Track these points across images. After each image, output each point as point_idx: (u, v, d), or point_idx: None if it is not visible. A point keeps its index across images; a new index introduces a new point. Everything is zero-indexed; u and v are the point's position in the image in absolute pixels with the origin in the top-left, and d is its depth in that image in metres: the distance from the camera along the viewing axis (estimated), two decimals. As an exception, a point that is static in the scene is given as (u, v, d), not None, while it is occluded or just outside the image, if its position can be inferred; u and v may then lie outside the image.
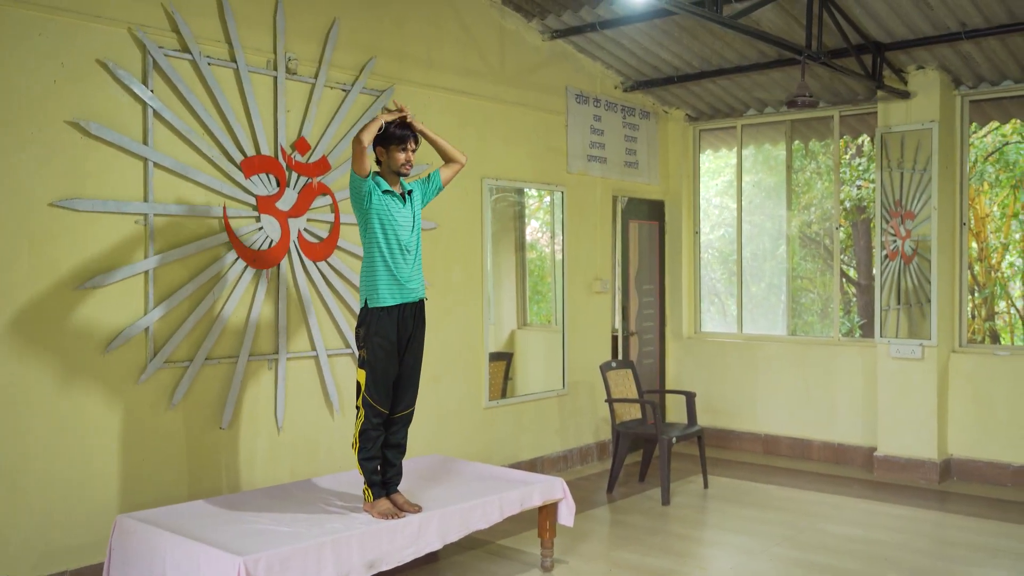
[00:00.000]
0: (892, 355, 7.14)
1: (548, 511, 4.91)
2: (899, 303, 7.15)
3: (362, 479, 4.41)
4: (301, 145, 5.38)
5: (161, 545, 3.85)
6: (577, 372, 7.55)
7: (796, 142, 8.39)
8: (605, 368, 6.88)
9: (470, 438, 6.57)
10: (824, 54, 6.06)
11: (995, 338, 10.60)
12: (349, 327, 5.64)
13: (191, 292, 4.86)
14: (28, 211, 4.27)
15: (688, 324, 8.70)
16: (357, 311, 5.05)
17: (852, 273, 11.19)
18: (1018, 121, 8.31)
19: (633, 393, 7.03)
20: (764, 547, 5.38)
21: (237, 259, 5.07)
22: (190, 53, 4.84)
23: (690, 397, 6.97)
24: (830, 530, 5.72)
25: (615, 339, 8.01)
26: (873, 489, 6.80)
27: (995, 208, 10.78)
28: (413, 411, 4.53)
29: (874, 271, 7.45)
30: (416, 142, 4.39)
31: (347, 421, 5.65)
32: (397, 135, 4.31)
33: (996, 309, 10.85)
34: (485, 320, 6.71)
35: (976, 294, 10.56)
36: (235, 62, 5.06)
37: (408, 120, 4.35)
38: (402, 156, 4.32)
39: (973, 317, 10.49)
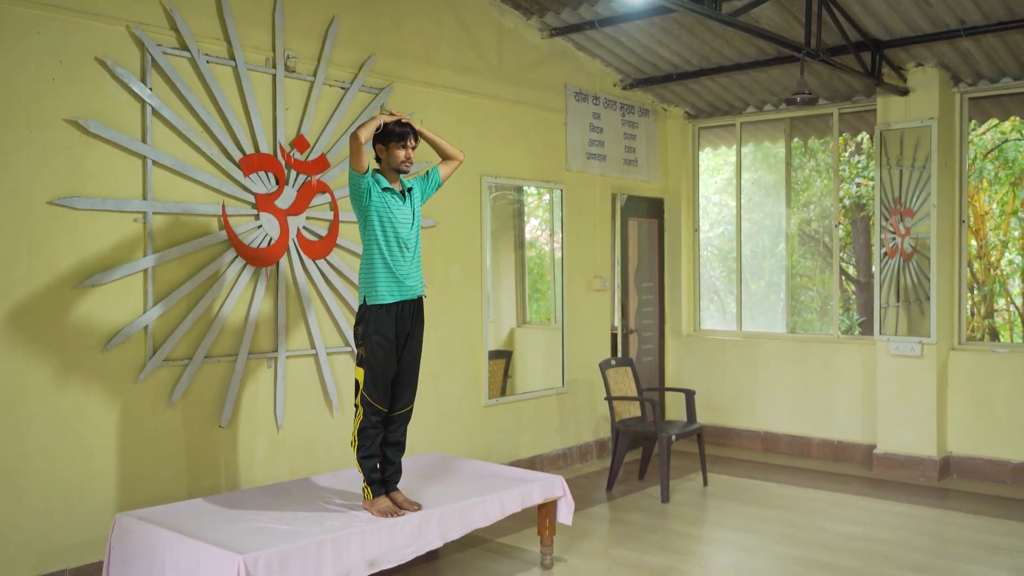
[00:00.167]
0: (891, 352, 7.14)
1: (548, 509, 4.91)
2: (898, 300, 7.15)
3: (361, 477, 4.41)
4: (300, 143, 5.38)
5: (161, 543, 3.85)
6: (577, 370, 7.55)
7: (795, 140, 8.39)
8: (604, 366, 6.88)
9: (469, 436, 6.57)
10: (823, 51, 6.06)
11: (994, 335, 10.60)
12: (348, 325, 5.64)
13: (190, 290, 4.86)
14: (27, 209, 4.26)
15: (687, 322, 8.70)
16: (356, 309, 5.05)
17: (851, 271, 11.20)
18: (1017, 118, 8.31)
19: (632, 391, 7.03)
20: (763, 545, 5.38)
21: (236, 257, 5.06)
22: (189, 51, 4.84)
23: (689, 395, 6.97)
24: (829, 528, 5.72)
25: (614, 337, 8.01)
26: (872, 486, 6.81)
27: (994, 205, 10.78)
28: (412, 409, 4.53)
29: (873, 268, 7.45)
30: (416, 139, 4.39)
31: (346, 419, 5.65)
32: (397, 132, 4.31)
33: (995, 306, 10.85)
34: (484, 318, 6.71)
35: (975, 291, 10.56)
36: (234, 60, 5.05)
37: (406, 120, 4.36)
38: (402, 153, 4.32)
39: (972, 314, 10.49)
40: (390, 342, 4.31)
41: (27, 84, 4.26)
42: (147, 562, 3.89)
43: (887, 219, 7.19)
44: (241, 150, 5.08)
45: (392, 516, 4.18)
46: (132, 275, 4.64)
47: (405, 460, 4.91)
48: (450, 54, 6.42)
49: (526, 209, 8.04)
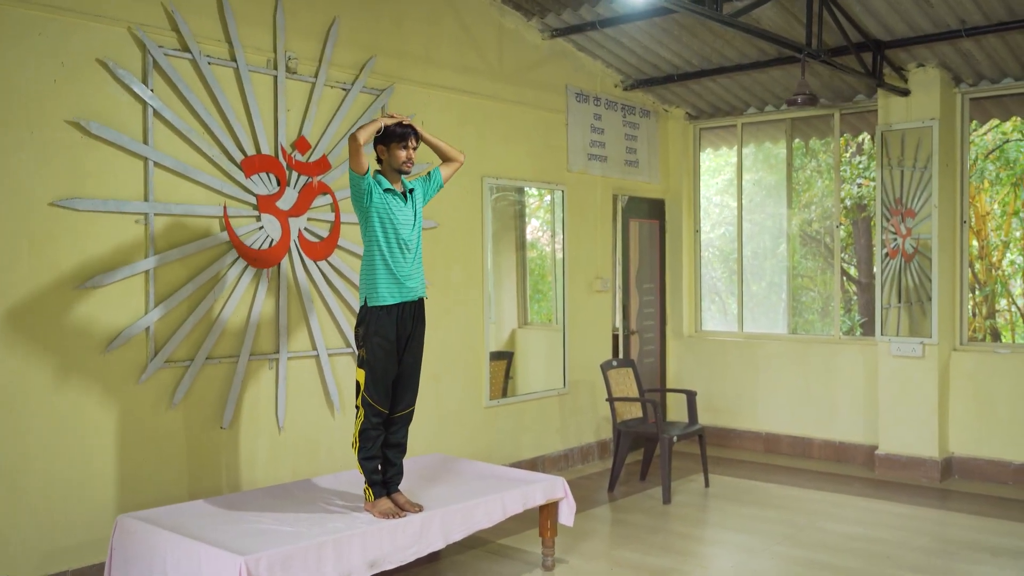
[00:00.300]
0: (893, 353, 7.14)
1: (549, 510, 4.91)
2: (900, 301, 7.14)
3: (363, 479, 4.41)
4: (301, 144, 5.38)
5: (162, 545, 3.85)
6: (578, 371, 7.54)
7: (796, 140, 8.38)
8: (606, 367, 6.88)
9: (471, 437, 6.57)
10: (824, 52, 6.06)
11: (996, 336, 10.59)
12: (350, 326, 5.64)
13: (191, 292, 4.86)
14: (28, 211, 4.26)
15: (689, 323, 8.69)
16: (357, 310, 5.05)
17: (853, 271, 11.19)
18: (1018, 119, 8.31)
19: (634, 392, 7.03)
20: (765, 546, 5.37)
21: (237, 258, 5.06)
22: (190, 52, 4.84)
23: (691, 396, 6.96)
24: (831, 528, 5.72)
25: (616, 338, 8.01)
26: (874, 487, 6.80)
27: (996, 206, 10.78)
28: (413, 410, 4.53)
29: (875, 269, 7.44)
30: (417, 140, 4.39)
31: (348, 420, 5.65)
32: (398, 133, 4.31)
33: (997, 307, 10.84)
34: (485, 319, 6.71)
35: (977, 292, 10.56)
36: (235, 61, 5.05)
37: (407, 122, 4.36)
38: (403, 154, 4.32)
39: (974, 315, 10.48)
40: (391, 343, 4.31)
41: (28, 85, 4.26)
42: (148, 563, 3.89)
43: (888, 220, 7.18)
44: (242, 151, 5.08)
45: (394, 517, 4.18)
46: (133, 276, 4.64)
47: (406, 461, 4.91)
48: (451, 55, 6.42)
49: (527, 210, 8.04)
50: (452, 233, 6.42)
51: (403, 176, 4.43)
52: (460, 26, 6.49)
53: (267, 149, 5.20)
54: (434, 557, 5.07)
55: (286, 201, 5.28)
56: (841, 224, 8.29)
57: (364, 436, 4.32)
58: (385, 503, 4.27)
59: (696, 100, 8.25)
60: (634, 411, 6.91)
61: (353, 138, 4.11)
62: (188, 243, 4.85)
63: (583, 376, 7.58)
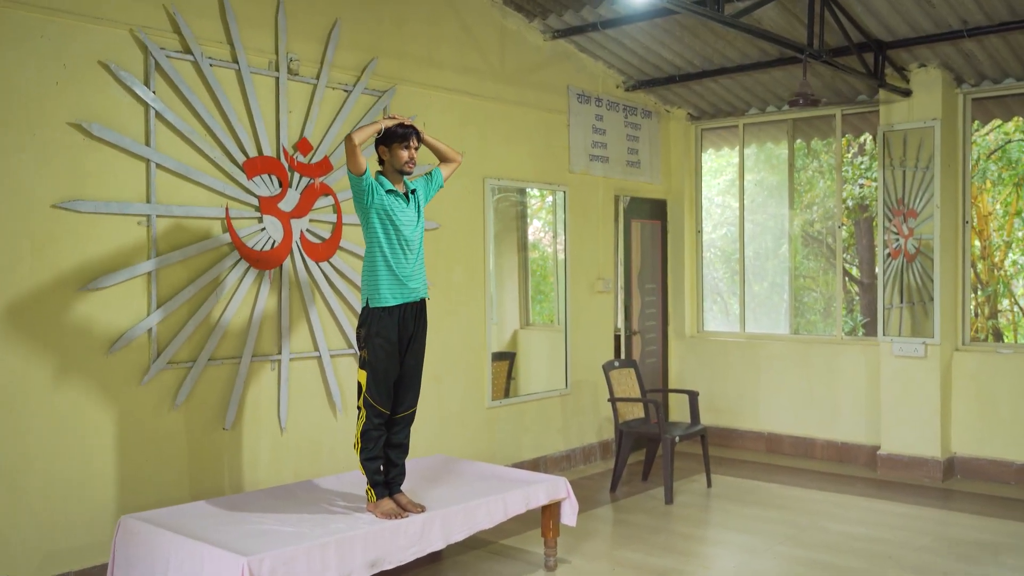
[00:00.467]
0: (895, 353, 7.13)
1: (551, 511, 4.91)
2: (902, 301, 7.14)
3: (365, 479, 4.41)
4: (303, 146, 5.38)
5: (165, 545, 3.86)
6: (580, 371, 7.54)
7: (798, 141, 8.38)
8: (608, 367, 6.88)
9: (473, 438, 6.57)
10: (826, 52, 6.06)
11: (998, 336, 10.58)
12: (351, 327, 5.64)
13: (193, 293, 4.86)
14: (30, 212, 4.27)
15: (691, 323, 8.69)
16: (359, 311, 5.06)
17: (855, 272, 11.19)
18: (1020, 119, 8.31)
19: (636, 392, 7.03)
20: (767, 546, 5.37)
21: (239, 260, 5.07)
22: (192, 54, 4.85)
23: (693, 396, 6.96)
24: (833, 528, 5.71)
25: (617, 338, 8.01)
26: (876, 487, 6.80)
27: (998, 206, 10.77)
28: (415, 411, 4.53)
29: (877, 269, 7.44)
30: (418, 140, 4.40)
31: (350, 421, 5.65)
32: (399, 133, 4.32)
33: (999, 307, 10.83)
34: (487, 320, 6.72)
35: (979, 292, 10.55)
36: (237, 63, 5.06)
37: (408, 123, 4.37)
38: (405, 154, 4.33)
39: (976, 315, 10.48)
40: (393, 345, 4.32)
41: (30, 87, 4.27)
42: (151, 564, 3.89)
43: (890, 220, 7.18)
44: (244, 153, 5.09)
45: (396, 518, 4.19)
46: (135, 278, 4.64)
47: (408, 462, 4.92)
48: (452, 56, 6.42)
49: (529, 211, 8.04)
50: (454, 234, 6.43)
51: (405, 177, 4.43)
52: (462, 27, 6.50)
53: (269, 151, 5.21)
54: (436, 557, 5.07)
55: (288, 202, 5.29)
56: (843, 224, 8.29)
57: (366, 437, 4.32)
58: (387, 504, 4.27)
59: (698, 101, 8.25)
60: (636, 411, 6.91)
61: (349, 139, 4.12)
62: (190, 245, 4.85)
63: (585, 376, 7.58)
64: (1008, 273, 10.71)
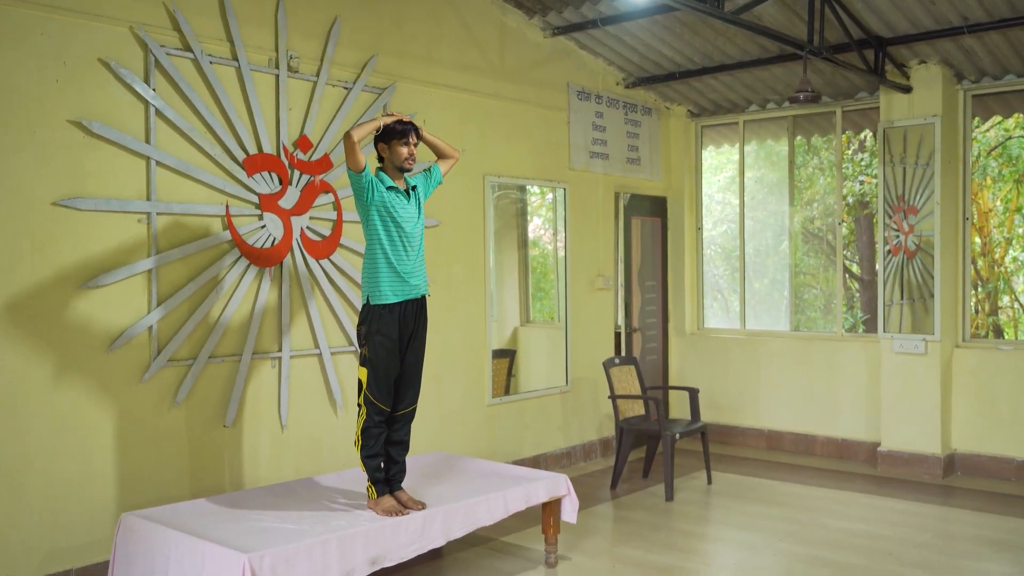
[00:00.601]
0: (895, 350, 7.14)
1: (552, 508, 4.92)
2: (902, 298, 7.14)
3: (366, 477, 4.42)
4: (303, 143, 5.38)
5: (166, 543, 3.86)
6: (580, 369, 7.55)
7: (798, 137, 8.38)
8: (608, 364, 6.88)
9: (473, 435, 6.58)
10: (826, 49, 6.05)
11: (998, 333, 10.59)
12: (352, 324, 5.64)
13: (194, 291, 4.87)
14: (30, 210, 4.27)
15: (691, 320, 8.69)
16: (359, 308, 5.06)
17: (855, 268, 11.19)
18: (1021, 115, 8.30)
19: (636, 389, 7.03)
20: (768, 543, 5.38)
21: (240, 257, 5.07)
22: (192, 52, 4.84)
23: (693, 393, 6.96)
24: (834, 525, 5.72)
25: (618, 335, 8.01)
26: (877, 484, 6.80)
27: (998, 203, 10.76)
28: (415, 408, 4.54)
29: (877, 266, 7.44)
30: (418, 136, 4.40)
31: (351, 419, 5.66)
32: (398, 130, 4.32)
33: (999, 304, 10.83)
34: (488, 317, 6.72)
35: (979, 289, 10.55)
36: (237, 60, 5.06)
37: (407, 120, 4.37)
38: (405, 151, 4.33)
39: (976, 312, 10.48)
40: (393, 342, 4.32)
41: (30, 85, 4.27)
42: (152, 562, 3.90)
43: (891, 216, 7.18)
44: (244, 150, 5.09)
45: (396, 515, 4.19)
46: (136, 276, 4.65)
47: (409, 459, 4.92)
48: (452, 53, 6.42)
49: (529, 208, 8.04)
50: (454, 231, 6.43)
51: (405, 174, 4.43)
52: (461, 24, 6.50)
53: (269, 148, 5.21)
54: (437, 554, 5.08)
55: (288, 200, 5.29)
56: (843, 221, 8.29)
57: (366, 434, 4.33)
58: (388, 501, 4.28)
59: (698, 97, 8.25)
60: (636, 409, 6.92)
61: (347, 136, 4.12)
62: (190, 242, 4.85)
63: (585, 374, 7.59)
64: (1008, 270, 10.71)
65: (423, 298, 4.47)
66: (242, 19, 5.10)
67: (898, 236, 7.14)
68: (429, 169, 4.65)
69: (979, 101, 7.27)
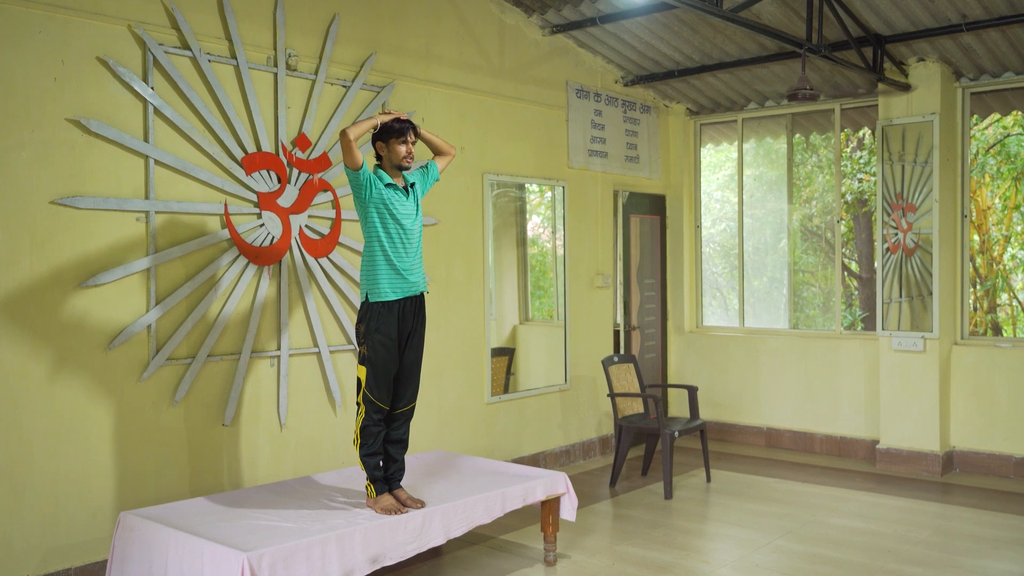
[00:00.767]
0: (894, 348, 7.14)
1: (551, 506, 4.92)
2: (901, 296, 7.14)
3: (365, 475, 4.42)
4: (302, 141, 5.38)
5: (165, 542, 3.86)
6: (579, 367, 7.55)
7: (797, 135, 8.38)
8: (607, 363, 6.88)
9: (472, 434, 6.58)
10: (824, 47, 6.05)
11: (997, 330, 10.60)
12: (351, 323, 5.64)
13: (193, 289, 4.86)
14: (29, 209, 4.27)
15: (690, 318, 8.70)
16: (358, 307, 5.06)
17: (854, 266, 11.19)
18: (1019, 113, 8.31)
19: (635, 387, 7.03)
20: (767, 540, 5.38)
21: (238, 256, 5.07)
22: (190, 50, 4.84)
23: (692, 391, 6.97)
24: (833, 523, 5.72)
25: (617, 334, 8.02)
26: (875, 482, 6.81)
27: (997, 200, 10.77)
28: (414, 407, 4.54)
29: (876, 264, 7.44)
30: (415, 134, 4.40)
31: (350, 417, 5.66)
32: (396, 128, 4.32)
33: (998, 301, 10.84)
34: (487, 315, 6.72)
35: (978, 286, 10.56)
36: (235, 59, 5.06)
37: (404, 118, 4.37)
38: (403, 149, 4.33)
39: (975, 309, 10.49)
40: (392, 340, 4.32)
41: (29, 83, 4.26)
42: (151, 560, 3.90)
43: (889, 214, 7.18)
44: (243, 149, 5.09)
45: (396, 513, 4.19)
46: (134, 274, 4.64)
47: (408, 457, 4.93)
48: (451, 51, 6.42)
49: (528, 206, 8.04)
50: (453, 230, 6.43)
51: (403, 171, 4.44)
52: (460, 23, 6.49)
53: (268, 146, 5.21)
54: (436, 553, 5.08)
55: (287, 198, 5.29)
56: (842, 219, 8.29)
57: (365, 433, 4.33)
58: (387, 499, 4.28)
59: (696, 95, 8.25)
60: (635, 407, 6.92)
61: (344, 133, 4.12)
62: (189, 241, 4.85)
63: (584, 372, 7.59)
64: (1007, 267, 10.72)
65: (422, 295, 4.47)
66: (240, 17, 5.09)
67: (897, 234, 7.14)
68: (426, 166, 4.65)
69: (977, 99, 7.27)
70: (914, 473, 7.02)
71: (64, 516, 4.40)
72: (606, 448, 7.79)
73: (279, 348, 5.30)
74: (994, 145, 10.40)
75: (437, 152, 4.71)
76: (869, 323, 10.44)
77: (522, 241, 7.99)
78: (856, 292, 11.05)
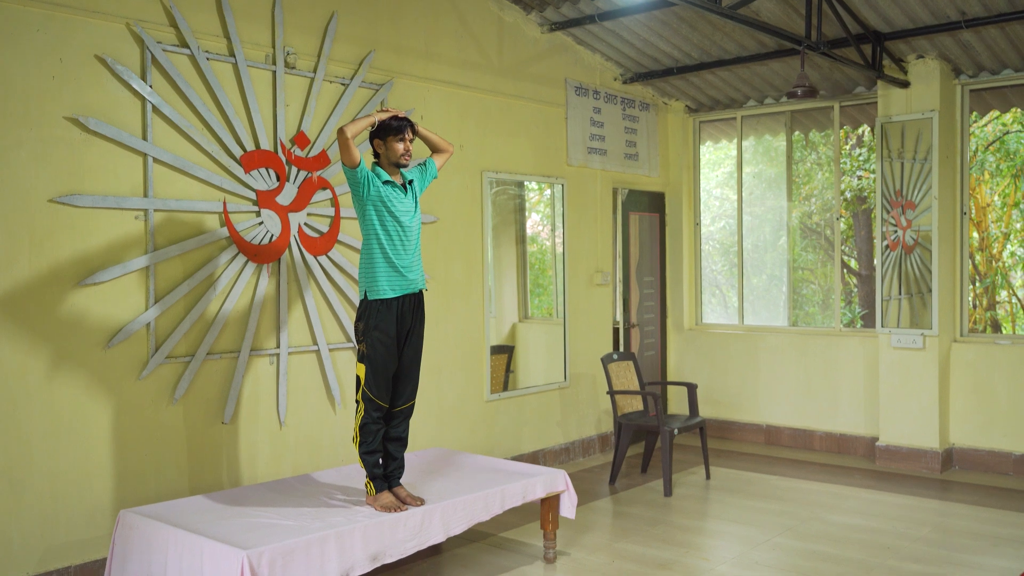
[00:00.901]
0: (893, 345, 7.14)
1: (550, 503, 4.92)
2: (900, 293, 7.14)
3: (364, 473, 4.42)
4: (300, 139, 5.38)
5: (164, 540, 3.86)
6: (579, 364, 7.55)
7: (796, 133, 8.38)
8: (607, 360, 6.88)
9: (472, 431, 6.58)
10: (824, 44, 6.05)
11: (996, 327, 10.60)
12: (350, 321, 5.64)
13: (192, 287, 4.86)
14: (28, 207, 4.27)
15: (689, 316, 8.70)
16: (357, 305, 5.05)
17: (853, 263, 11.19)
18: (1018, 110, 8.30)
19: (635, 385, 7.03)
20: (766, 537, 5.39)
21: (237, 254, 5.07)
22: (189, 48, 4.84)
23: (692, 389, 6.97)
24: (832, 520, 5.73)
25: (616, 331, 8.02)
26: (875, 479, 6.81)
27: (996, 197, 10.77)
28: (414, 404, 4.54)
29: (875, 261, 7.44)
30: (413, 132, 4.40)
31: (349, 415, 5.66)
32: (394, 126, 4.32)
33: (997, 298, 10.85)
34: (486, 313, 6.72)
35: (977, 283, 10.56)
36: (234, 57, 5.05)
37: (402, 116, 4.37)
38: (401, 147, 4.33)
39: (974, 306, 10.49)
40: (391, 338, 4.32)
41: (27, 82, 4.26)
42: (151, 558, 3.90)
43: (888, 212, 7.18)
44: (242, 147, 5.08)
45: (395, 511, 4.19)
46: (133, 272, 4.64)
47: (408, 455, 4.93)
48: (450, 49, 6.41)
49: (527, 204, 8.04)
50: (452, 227, 6.43)
51: (401, 169, 4.43)
52: (459, 20, 6.49)
53: (266, 144, 5.20)
54: (436, 550, 5.08)
55: (286, 196, 5.29)
56: (841, 216, 8.29)
57: (365, 430, 4.33)
58: (386, 497, 4.28)
59: (696, 93, 8.24)
60: (635, 404, 6.92)
61: (341, 131, 4.12)
62: (188, 239, 4.85)
63: (584, 369, 7.59)
64: (1006, 264, 10.72)
65: (420, 293, 4.47)
66: (239, 15, 5.09)
67: (896, 231, 7.14)
68: (424, 163, 4.65)
69: (977, 96, 7.27)
70: (913, 470, 7.03)
71: (64, 514, 4.40)
72: (605, 445, 7.79)
73: (278, 346, 5.30)
74: (993, 142, 10.40)
75: (435, 149, 4.71)
76: (868, 320, 10.45)
77: (521, 239, 7.99)
78: (855, 289, 11.06)
